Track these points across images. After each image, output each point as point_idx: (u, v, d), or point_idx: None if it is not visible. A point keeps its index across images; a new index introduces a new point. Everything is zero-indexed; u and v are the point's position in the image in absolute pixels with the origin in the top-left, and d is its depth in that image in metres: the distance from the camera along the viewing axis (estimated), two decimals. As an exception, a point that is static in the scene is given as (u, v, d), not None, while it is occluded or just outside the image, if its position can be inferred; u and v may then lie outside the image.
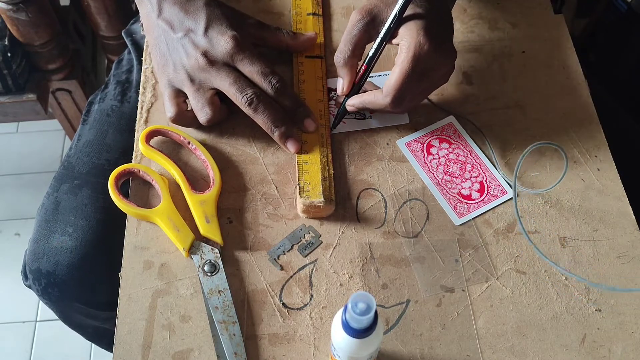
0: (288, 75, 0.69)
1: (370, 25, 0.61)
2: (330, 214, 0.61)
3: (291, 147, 0.63)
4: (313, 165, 0.62)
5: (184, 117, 0.63)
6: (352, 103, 0.64)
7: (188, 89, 0.62)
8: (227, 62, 0.60)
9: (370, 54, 0.62)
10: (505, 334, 0.55)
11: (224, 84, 0.60)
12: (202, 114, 0.62)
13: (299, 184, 0.60)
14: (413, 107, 0.65)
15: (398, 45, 0.60)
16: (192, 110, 0.63)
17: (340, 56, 0.62)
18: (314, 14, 0.73)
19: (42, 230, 0.74)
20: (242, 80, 0.61)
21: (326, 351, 0.54)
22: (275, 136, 0.62)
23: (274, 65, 0.62)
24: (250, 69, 0.60)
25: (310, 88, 0.67)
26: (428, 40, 0.57)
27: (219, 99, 0.63)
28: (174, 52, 0.62)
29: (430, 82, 0.62)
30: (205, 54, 0.60)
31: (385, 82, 0.60)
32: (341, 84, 0.65)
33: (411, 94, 0.60)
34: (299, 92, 0.67)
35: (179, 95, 0.63)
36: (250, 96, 0.60)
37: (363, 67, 0.63)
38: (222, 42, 0.60)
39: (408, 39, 0.58)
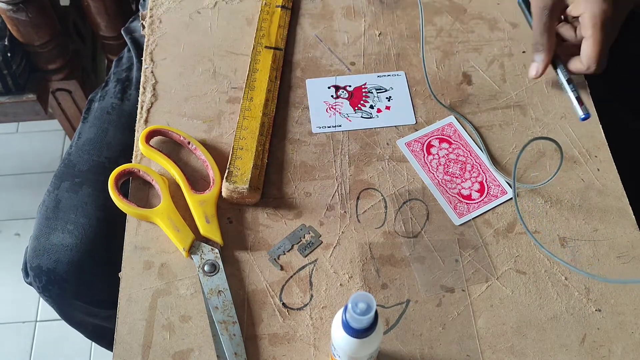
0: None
1: (557, 6, 0.64)
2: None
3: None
4: (248, 152, 0.62)
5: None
6: (574, 68, 0.65)
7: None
8: None
9: None
10: (505, 334, 0.55)
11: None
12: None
13: (228, 168, 0.61)
14: None
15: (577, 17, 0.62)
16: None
17: (540, 46, 0.64)
18: (282, 6, 0.73)
19: (42, 227, 0.74)
20: None
21: (326, 351, 0.54)
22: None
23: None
24: None
25: (263, 77, 0.67)
26: (609, 6, 0.60)
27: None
28: None
29: (609, 39, 0.63)
30: None
31: (583, 54, 0.62)
32: (535, 67, 0.66)
33: (605, 53, 0.62)
34: (252, 79, 0.67)
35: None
36: None
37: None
38: None
39: (590, 9, 0.61)
